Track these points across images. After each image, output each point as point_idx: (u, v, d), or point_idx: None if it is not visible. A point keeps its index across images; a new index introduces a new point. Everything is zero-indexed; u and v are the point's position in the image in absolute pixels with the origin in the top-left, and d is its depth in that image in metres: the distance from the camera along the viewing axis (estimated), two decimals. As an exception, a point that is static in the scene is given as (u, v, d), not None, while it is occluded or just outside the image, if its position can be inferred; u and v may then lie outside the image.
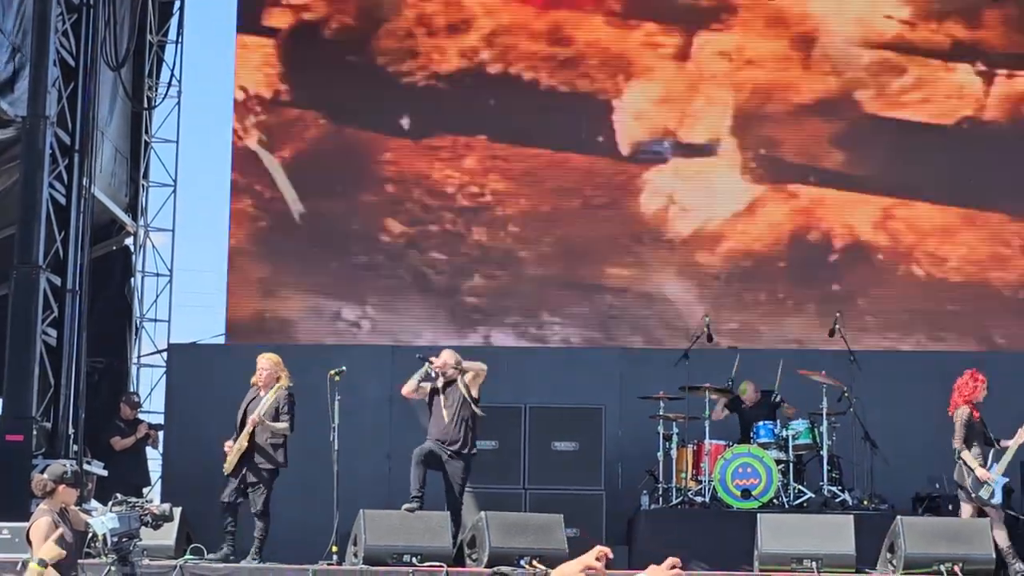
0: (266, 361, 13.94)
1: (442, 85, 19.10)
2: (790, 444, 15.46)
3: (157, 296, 19.64)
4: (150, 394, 19.23)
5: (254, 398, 13.86)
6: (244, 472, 13.62)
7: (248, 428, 13.60)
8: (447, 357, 14.03)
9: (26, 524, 10.15)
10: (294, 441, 15.46)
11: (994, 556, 12.94)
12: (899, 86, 18.77)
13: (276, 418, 13.69)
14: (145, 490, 16.91)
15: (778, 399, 15.92)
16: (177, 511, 12.63)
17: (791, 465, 15.40)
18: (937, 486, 16.17)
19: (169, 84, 19.92)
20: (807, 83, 18.82)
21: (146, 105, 19.67)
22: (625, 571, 13.65)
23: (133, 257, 19.53)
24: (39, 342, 15.39)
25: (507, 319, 18.76)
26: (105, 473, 16.56)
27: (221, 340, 18.51)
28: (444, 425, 13.93)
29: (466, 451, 13.90)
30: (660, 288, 18.61)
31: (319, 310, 18.77)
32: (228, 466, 13.64)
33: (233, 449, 13.59)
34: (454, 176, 18.92)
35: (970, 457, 13.81)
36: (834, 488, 15.37)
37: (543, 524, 13.31)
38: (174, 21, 19.89)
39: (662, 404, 15.62)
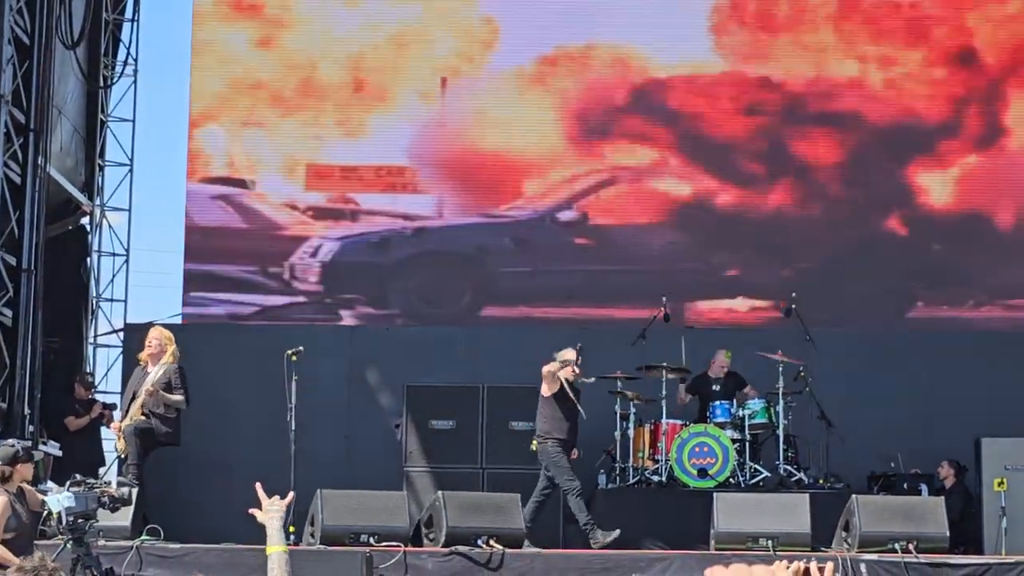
0: (157, 332, 13.98)
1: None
2: (746, 423, 15.54)
3: (113, 276, 19.57)
4: (107, 374, 19.19)
5: (142, 376, 13.88)
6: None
7: (139, 402, 13.61)
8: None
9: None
10: (251, 420, 15.49)
11: (948, 534, 13.03)
12: None
13: (169, 392, 13.71)
14: (100, 470, 16.86)
15: (745, 387, 15.96)
16: (134, 493, 12.60)
17: (747, 444, 15.47)
18: (892, 464, 16.29)
19: (125, 63, 19.79)
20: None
21: (102, 84, 19.55)
22: (580, 550, 13.72)
23: (89, 237, 19.44)
24: (-6, 322, 15.34)
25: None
26: (60, 453, 16.50)
27: (178, 320, 18.45)
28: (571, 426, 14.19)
29: None
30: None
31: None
32: (121, 448, 13.69)
33: (122, 427, 13.64)
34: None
35: None
36: (790, 467, 15.45)
37: (501, 503, 13.35)
38: (130, -1, 19.80)
39: (619, 383, 15.66)
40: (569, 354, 14.24)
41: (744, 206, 18.75)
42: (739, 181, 18.81)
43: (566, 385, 14.14)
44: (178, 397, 13.77)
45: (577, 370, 14.21)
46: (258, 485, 6.93)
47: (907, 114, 18.80)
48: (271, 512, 6.69)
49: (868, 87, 18.85)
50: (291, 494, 7.04)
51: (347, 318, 18.66)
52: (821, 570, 4.71)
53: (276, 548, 6.62)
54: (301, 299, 18.79)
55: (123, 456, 13.89)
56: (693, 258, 18.67)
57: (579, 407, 14.30)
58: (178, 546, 13.00)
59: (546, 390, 14.18)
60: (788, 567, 4.61)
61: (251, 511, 6.87)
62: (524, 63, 19.00)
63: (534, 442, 14.38)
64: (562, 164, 18.90)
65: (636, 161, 18.87)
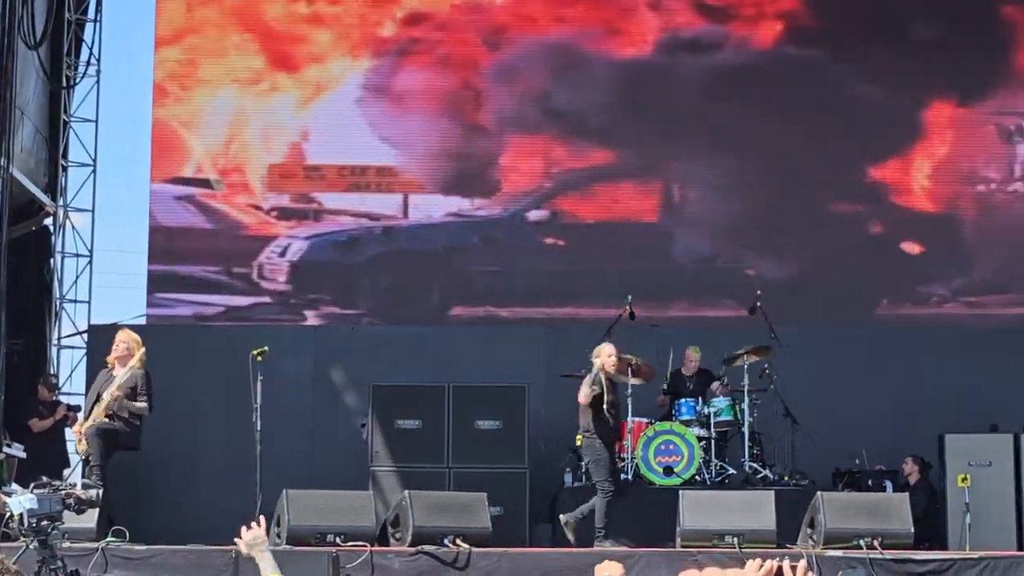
0: (124, 335, 13.94)
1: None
2: (712, 421, 15.58)
3: (77, 277, 19.48)
4: (71, 375, 19.10)
5: (108, 379, 13.85)
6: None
7: (103, 405, 13.58)
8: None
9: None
10: (216, 421, 15.45)
11: (912, 530, 13.09)
12: None
13: (133, 398, 13.68)
14: (65, 472, 16.80)
15: (719, 382, 15.96)
16: (101, 494, 12.56)
17: (713, 442, 15.52)
18: (857, 461, 16.34)
19: (88, 63, 19.72)
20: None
21: (65, 84, 19.48)
22: (548, 548, 13.75)
23: (52, 238, 19.36)
24: (-43, 324, 15.24)
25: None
26: (24, 455, 16.43)
27: (142, 321, 18.40)
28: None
29: None
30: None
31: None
32: (82, 450, 13.67)
33: (83, 429, 13.61)
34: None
35: None
36: (755, 464, 15.50)
37: (467, 503, 13.35)
38: (93, -1, 19.73)
39: (585, 382, 15.67)
40: (607, 350, 14.06)
41: (712, 205, 18.79)
42: (705, 180, 18.85)
43: (604, 382, 13.95)
44: (141, 404, 13.74)
45: (614, 359, 14.03)
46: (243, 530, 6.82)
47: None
48: (255, 546, 6.59)
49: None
50: (261, 518, 6.98)
51: (312, 318, 18.65)
52: (794, 568, 4.70)
53: None
54: (266, 299, 18.76)
55: (85, 458, 13.84)
56: (662, 257, 18.68)
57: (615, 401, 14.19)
58: (144, 547, 12.96)
59: (584, 397, 13.89)
60: (760, 567, 4.60)
61: (236, 543, 6.78)
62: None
63: (580, 438, 14.30)
64: (530, 162, 18.90)
65: (605, 161, 18.89)
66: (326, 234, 18.84)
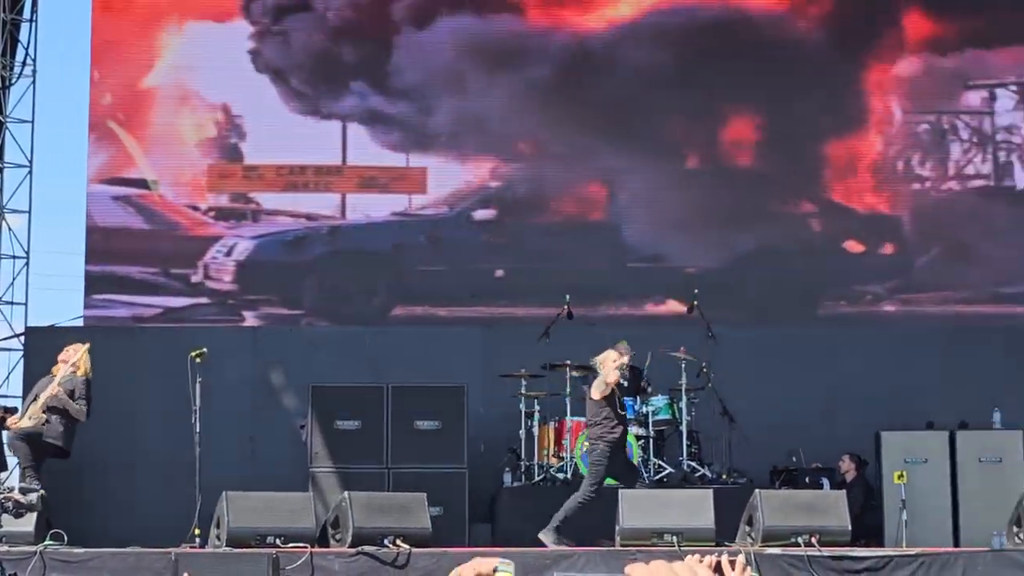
0: (77, 347, 13.98)
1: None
2: (650, 420, 15.65)
3: (14, 279, 19.35)
4: (7, 378, 18.98)
5: (49, 382, 13.83)
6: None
7: (40, 403, 13.54)
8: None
9: None
10: (155, 423, 15.37)
11: (849, 527, 13.19)
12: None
13: (72, 400, 13.67)
14: (2, 475, 16.69)
15: (646, 384, 16.02)
16: (40, 498, 12.53)
17: (651, 441, 15.59)
18: (794, 459, 16.46)
19: (24, 63, 19.61)
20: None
21: (0, 84, 19.35)
22: (487, 548, 13.77)
23: (-12, 239, 19.25)
24: None
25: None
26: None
27: (80, 323, 18.31)
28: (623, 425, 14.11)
29: None
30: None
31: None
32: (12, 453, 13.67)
33: (17, 425, 13.58)
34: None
35: None
36: (693, 463, 15.58)
37: (406, 503, 13.37)
38: (28, -1, 19.61)
39: (523, 382, 15.72)
40: (618, 353, 14.08)
41: (654, 204, 18.86)
42: (648, 180, 18.91)
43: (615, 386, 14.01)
44: (79, 407, 13.68)
45: (626, 359, 14.06)
46: None
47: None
48: None
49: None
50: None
51: (251, 319, 18.60)
52: (732, 563, 4.78)
53: None
54: (204, 300, 18.70)
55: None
56: (604, 256, 18.72)
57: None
58: (82, 551, 12.90)
59: (596, 394, 13.92)
60: (701, 560, 4.66)
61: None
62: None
63: (585, 443, 14.36)
64: (477, 162, 18.91)
65: (550, 159, 18.92)
66: (273, 234, 18.80)
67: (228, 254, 18.66)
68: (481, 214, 18.89)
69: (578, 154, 18.92)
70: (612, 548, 13.16)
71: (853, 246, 18.83)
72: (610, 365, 13.80)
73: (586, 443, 14.29)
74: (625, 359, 13.89)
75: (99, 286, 18.66)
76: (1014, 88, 19.20)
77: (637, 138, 18.92)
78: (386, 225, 18.85)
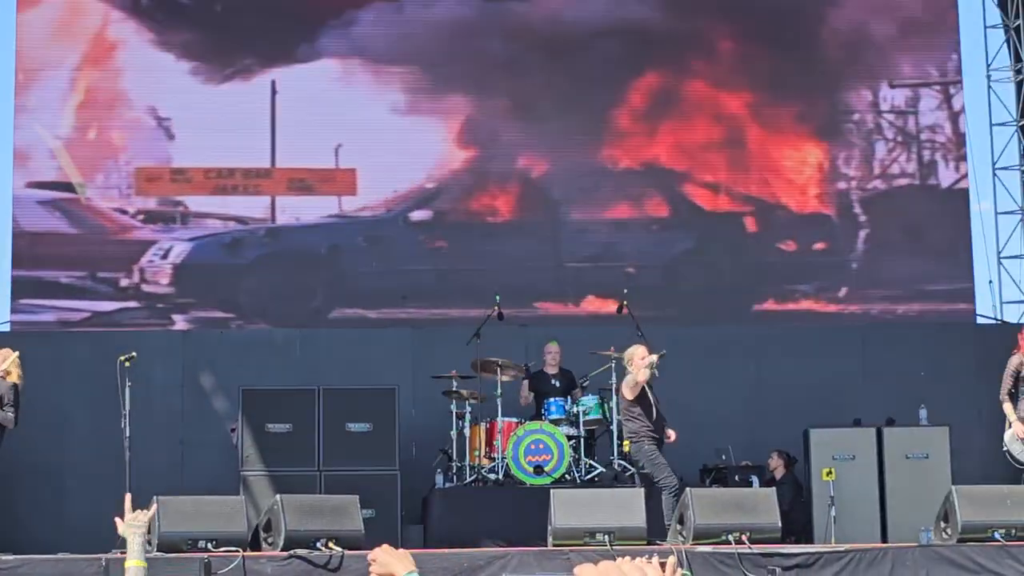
0: (7, 352, 13.86)
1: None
2: (581, 420, 15.70)
3: (-60, 284, 19.20)
4: (-67, 384, 18.79)
5: None
6: None
7: None
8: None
9: None
10: (83, 428, 15.26)
11: (779, 524, 13.29)
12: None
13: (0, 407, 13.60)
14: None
15: (585, 383, 16.07)
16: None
17: (582, 440, 15.64)
18: (723, 457, 16.55)
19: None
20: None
21: (-77, 88, 19.20)
22: (420, 550, 13.78)
23: (-86, 244, 19.07)
24: None
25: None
26: None
27: (7, 328, 18.17)
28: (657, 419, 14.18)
29: None
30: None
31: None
32: None
33: None
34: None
35: (1009, 409, 14.09)
36: (624, 462, 15.64)
37: (339, 505, 13.34)
38: (-48, 1, 19.44)
39: (455, 383, 15.74)
40: (643, 352, 14.24)
41: (591, 204, 18.92)
42: (584, 180, 18.96)
43: (645, 382, 14.17)
44: (8, 414, 13.59)
45: (654, 358, 14.20)
46: (127, 496, 7.00)
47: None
48: (133, 527, 6.78)
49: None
50: (154, 506, 7.14)
51: (182, 322, 18.49)
52: (663, 565, 4.83)
53: (135, 563, 6.73)
54: (132, 304, 18.58)
55: None
56: (540, 257, 18.74)
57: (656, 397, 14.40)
58: (12, 557, 12.81)
59: (629, 394, 14.18)
60: (633, 559, 4.70)
61: (116, 519, 6.94)
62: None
63: (627, 443, 14.40)
64: (414, 164, 18.88)
65: (485, 161, 18.94)
66: (210, 236, 18.70)
67: (164, 257, 18.56)
68: (418, 215, 18.86)
69: (516, 155, 18.93)
70: (545, 548, 13.19)
71: (789, 245, 18.93)
72: (639, 363, 13.98)
73: (627, 442, 14.43)
74: (654, 357, 14.05)
75: (25, 291, 18.50)
76: (937, 88, 19.38)
77: (580, 136, 18.94)
78: (324, 227, 18.80)
